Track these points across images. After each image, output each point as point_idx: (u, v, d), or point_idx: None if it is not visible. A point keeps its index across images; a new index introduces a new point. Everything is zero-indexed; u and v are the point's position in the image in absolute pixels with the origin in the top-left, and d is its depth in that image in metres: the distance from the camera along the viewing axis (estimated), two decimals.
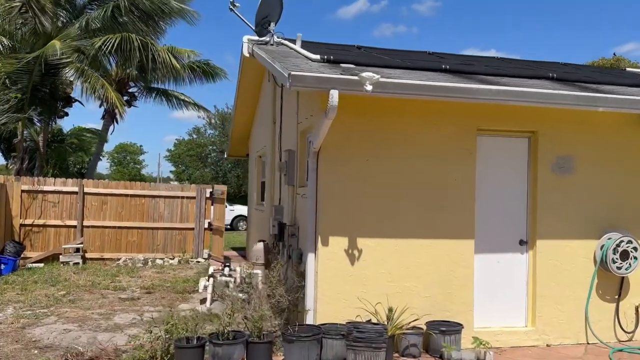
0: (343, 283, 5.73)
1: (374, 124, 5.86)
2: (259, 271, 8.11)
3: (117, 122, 19.57)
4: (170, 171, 62.05)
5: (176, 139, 58.66)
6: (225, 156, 15.54)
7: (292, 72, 4.84)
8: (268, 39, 8.27)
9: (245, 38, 8.93)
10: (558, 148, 6.35)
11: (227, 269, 8.84)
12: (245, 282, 8.18)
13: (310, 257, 5.76)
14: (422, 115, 5.96)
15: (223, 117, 44.71)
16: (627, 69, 10.90)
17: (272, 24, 8.22)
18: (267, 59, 6.25)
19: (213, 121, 45.47)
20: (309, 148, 6.84)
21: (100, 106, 19.25)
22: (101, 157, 23.23)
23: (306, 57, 6.32)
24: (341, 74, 5.02)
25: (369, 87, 4.88)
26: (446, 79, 5.72)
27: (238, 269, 8.81)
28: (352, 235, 5.81)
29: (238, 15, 8.54)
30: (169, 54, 16.33)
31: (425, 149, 5.97)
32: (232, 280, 8.53)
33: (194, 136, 49.03)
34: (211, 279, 8.37)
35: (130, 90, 20.55)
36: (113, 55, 16.23)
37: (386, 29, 62.36)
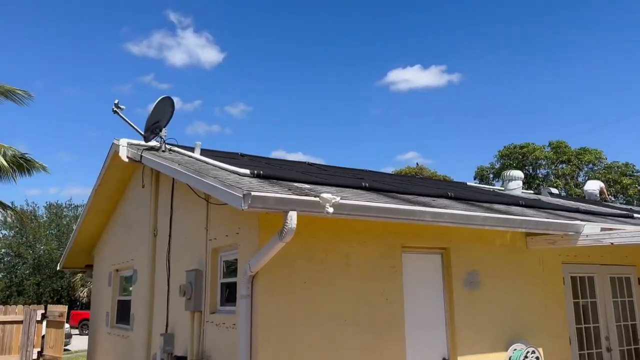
0: None
1: (309, 243, 5.53)
2: None
3: None
4: None
5: None
6: (59, 268, 13.29)
7: (254, 193, 4.34)
8: (159, 145, 7.55)
9: (122, 141, 8.07)
10: (466, 264, 6.70)
11: None
12: None
13: None
14: (355, 234, 5.83)
15: (23, 216, 39.01)
16: (469, 183, 12.42)
17: (164, 130, 7.56)
18: (189, 173, 5.59)
19: (9, 220, 39.36)
20: (224, 269, 6.16)
21: None
22: None
23: (232, 171, 5.83)
24: (297, 195, 4.67)
25: (330, 210, 4.61)
26: (382, 199, 5.73)
27: None
28: None
29: (123, 118, 7.68)
30: None
31: (359, 269, 5.79)
32: None
33: None
34: None
35: None
36: None
37: (199, 127, 63.43)
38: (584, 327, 7.82)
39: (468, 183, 12.64)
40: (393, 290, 5.98)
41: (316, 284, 5.48)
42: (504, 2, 55.07)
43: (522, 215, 6.51)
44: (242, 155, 9.33)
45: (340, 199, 4.70)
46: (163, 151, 7.45)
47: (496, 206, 7.32)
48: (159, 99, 7.47)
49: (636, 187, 31.85)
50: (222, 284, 6.18)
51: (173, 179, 7.50)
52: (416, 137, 59.21)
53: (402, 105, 57.73)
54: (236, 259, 5.77)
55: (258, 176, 5.68)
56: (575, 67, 52.66)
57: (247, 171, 5.68)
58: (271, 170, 6.16)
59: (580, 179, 34.70)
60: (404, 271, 6.18)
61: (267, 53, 63.27)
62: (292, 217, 4.52)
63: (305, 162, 10.05)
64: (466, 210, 5.89)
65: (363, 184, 6.49)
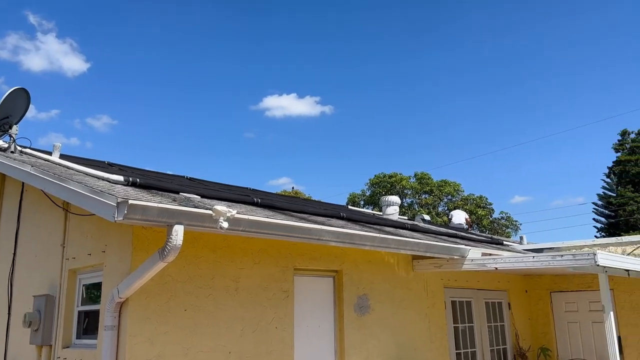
0: None
1: (193, 264, 4.79)
2: None
3: None
4: None
5: None
6: None
7: (132, 201, 3.56)
8: (7, 145, 6.29)
9: None
10: (357, 287, 6.39)
11: None
12: None
13: None
14: (245, 255, 5.21)
15: None
16: (350, 207, 12.36)
17: (15, 127, 6.33)
18: (46, 177, 4.59)
19: None
20: (84, 294, 5.16)
21: None
22: None
23: (102, 177, 4.91)
24: (185, 206, 3.97)
25: (225, 224, 3.98)
26: (278, 216, 5.20)
27: None
28: None
29: None
30: None
31: (249, 293, 5.16)
32: None
33: None
34: None
35: None
36: None
37: (55, 138, 57.21)
38: (463, 352, 7.90)
39: (350, 207, 12.59)
40: (284, 317, 5.43)
41: (199, 311, 4.74)
42: (374, 43, 58.37)
43: (412, 238, 6.38)
44: (111, 164, 8.22)
45: (237, 213, 4.09)
46: (12, 152, 6.21)
47: (386, 229, 7.15)
48: (10, 89, 6.25)
49: (488, 218, 34.92)
50: (80, 312, 5.15)
51: (23, 185, 6.28)
52: (289, 163, 59.52)
53: (276, 131, 57.89)
54: (100, 283, 4.83)
55: (134, 184, 4.84)
56: (439, 105, 57.21)
57: (121, 178, 4.82)
58: (150, 180, 5.33)
59: (440, 209, 37.20)
60: (296, 295, 5.68)
61: (139, 67, 59.44)
62: (178, 231, 3.81)
63: (183, 176, 9.17)
64: (363, 231, 5.58)
65: (255, 199, 5.91)
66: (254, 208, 5.56)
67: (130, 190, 4.46)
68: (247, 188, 9.46)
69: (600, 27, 53.69)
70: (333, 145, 59.19)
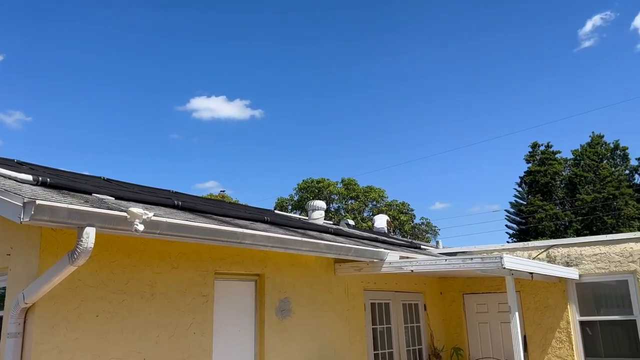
0: None
1: (106, 268, 4.63)
2: None
3: None
4: None
5: None
6: None
7: (39, 202, 3.39)
8: None
9: None
10: (279, 291, 6.42)
11: None
12: None
13: None
14: (162, 259, 5.09)
15: None
16: (277, 211, 12.38)
17: None
18: None
19: None
20: None
21: None
22: None
23: (8, 176, 4.63)
24: (98, 208, 3.83)
25: (141, 227, 3.87)
26: (199, 219, 5.13)
27: None
28: None
29: None
30: None
31: (166, 298, 5.05)
32: None
33: None
34: None
35: None
36: None
37: None
38: (381, 352, 8.13)
39: (276, 211, 12.61)
40: (203, 322, 5.36)
41: (112, 317, 4.58)
42: (306, 48, 58.88)
43: (334, 242, 6.51)
44: (20, 162, 7.76)
45: (154, 215, 4.00)
46: None
47: (310, 232, 7.24)
48: None
49: (410, 224, 36.18)
50: None
51: None
52: (217, 166, 58.50)
53: (204, 133, 56.74)
54: (4, 287, 4.55)
55: (44, 184, 4.61)
56: (368, 113, 58.58)
57: (30, 177, 4.57)
58: (62, 180, 5.09)
59: (365, 214, 38.06)
60: (216, 300, 5.62)
61: (57, 63, 55.87)
62: (90, 234, 3.67)
63: (100, 177, 8.81)
64: (286, 234, 5.62)
65: (176, 202, 5.80)
66: (174, 211, 5.45)
67: (39, 190, 4.24)
68: (169, 191, 9.22)
69: (523, 44, 57.21)
70: (262, 149, 58.97)
